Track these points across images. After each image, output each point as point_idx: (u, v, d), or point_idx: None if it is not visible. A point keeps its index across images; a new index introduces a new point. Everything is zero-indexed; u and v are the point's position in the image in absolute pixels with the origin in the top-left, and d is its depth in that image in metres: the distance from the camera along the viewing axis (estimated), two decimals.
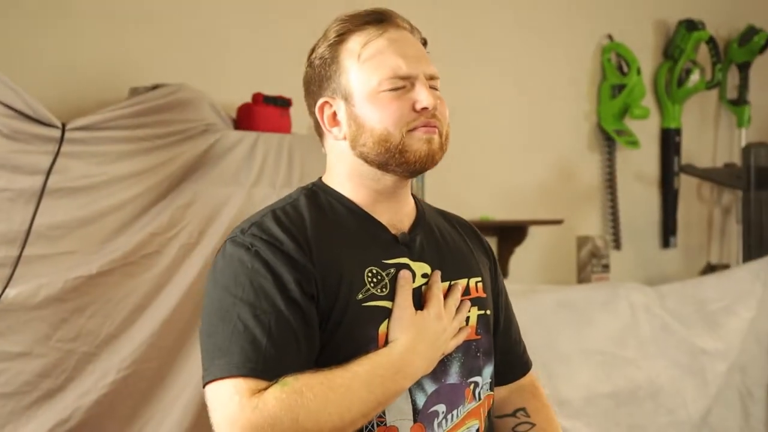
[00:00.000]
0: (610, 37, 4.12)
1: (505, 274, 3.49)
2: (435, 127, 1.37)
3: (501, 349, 1.54)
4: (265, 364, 1.23)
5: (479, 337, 1.44)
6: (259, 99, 2.77)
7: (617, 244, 4.13)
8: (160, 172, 2.47)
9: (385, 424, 1.33)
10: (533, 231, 3.69)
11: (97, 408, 2.30)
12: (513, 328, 1.60)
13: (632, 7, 4.25)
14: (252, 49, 3.02)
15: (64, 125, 2.33)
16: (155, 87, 2.56)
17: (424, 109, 1.36)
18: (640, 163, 4.27)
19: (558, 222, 3.75)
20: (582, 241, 3.93)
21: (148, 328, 2.38)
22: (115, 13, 2.75)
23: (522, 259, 3.58)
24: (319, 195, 1.41)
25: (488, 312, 1.47)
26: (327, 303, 1.30)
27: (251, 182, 2.63)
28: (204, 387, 1.26)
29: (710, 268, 4.38)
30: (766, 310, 3.76)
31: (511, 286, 3.39)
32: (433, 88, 1.39)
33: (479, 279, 1.47)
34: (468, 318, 1.42)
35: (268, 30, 3.07)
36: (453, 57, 3.60)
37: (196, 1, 2.94)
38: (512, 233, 3.62)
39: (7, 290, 2.18)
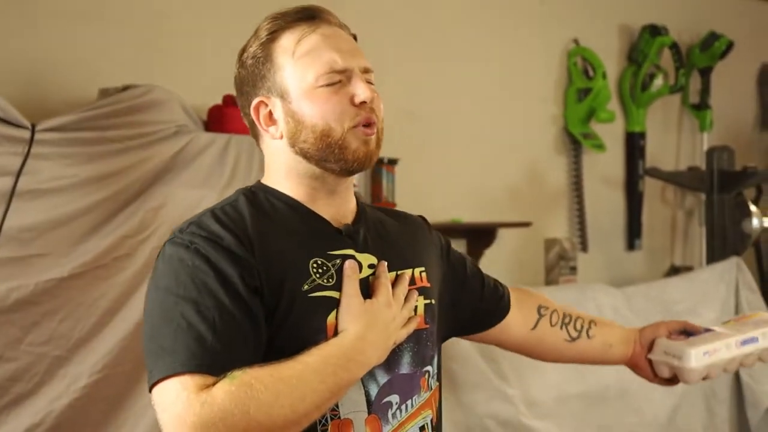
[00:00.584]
0: (576, 41, 4.16)
1: None
2: (373, 124, 1.38)
3: (491, 299, 1.67)
4: (212, 360, 1.21)
5: (428, 326, 1.46)
6: (230, 101, 2.75)
7: (584, 246, 4.17)
8: (131, 174, 2.44)
9: (339, 417, 1.33)
10: (502, 233, 3.71)
11: (69, 412, 2.27)
12: (487, 280, 1.69)
13: (597, 12, 4.30)
14: (223, 50, 2.99)
15: (33, 126, 2.30)
16: (126, 88, 2.54)
17: (363, 102, 1.37)
18: (605, 167, 4.32)
19: (526, 224, 3.78)
20: (550, 244, 3.96)
21: (120, 332, 2.35)
22: (83, 12, 2.72)
23: (491, 261, 3.60)
24: (258, 194, 1.40)
25: (433, 301, 1.48)
26: (272, 296, 1.29)
27: (223, 184, 2.61)
28: (150, 391, 1.23)
29: (674, 270, 4.44)
30: (729, 311, 3.83)
31: None
32: (368, 81, 1.41)
33: (423, 269, 1.49)
34: (416, 307, 1.44)
35: (240, 31, 3.06)
36: (422, 61, 3.62)
37: (167, 2, 2.92)
38: (481, 235, 3.64)
39: None
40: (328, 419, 1.31)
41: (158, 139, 2.51)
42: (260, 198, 1.40)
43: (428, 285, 1.48)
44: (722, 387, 3.75)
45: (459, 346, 2.96)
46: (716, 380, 3.73)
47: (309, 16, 1.41)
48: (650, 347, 1.79)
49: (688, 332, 1.78)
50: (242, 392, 1.18)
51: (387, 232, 1.49)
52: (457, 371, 2.94)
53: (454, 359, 2.94)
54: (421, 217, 1.63)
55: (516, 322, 1.70)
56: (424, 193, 3.56)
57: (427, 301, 1.47)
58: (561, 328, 1.74)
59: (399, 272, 1.43)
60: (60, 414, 2.26)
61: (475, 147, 3.83)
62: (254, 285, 1.28)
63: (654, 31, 4.33)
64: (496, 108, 3.90)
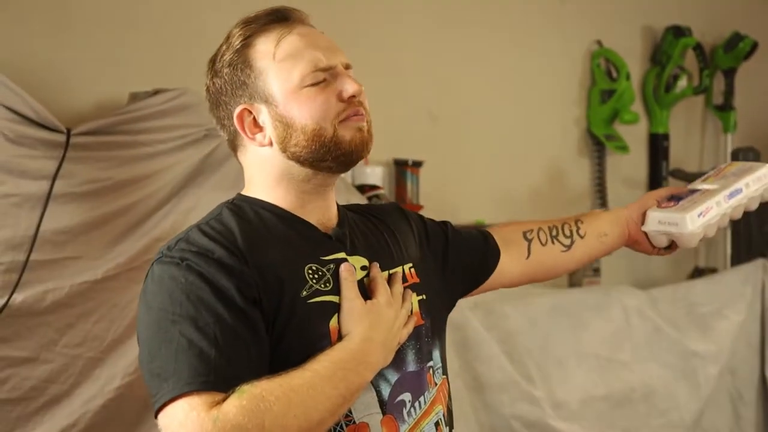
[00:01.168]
0: (599, 42, 4.16)
1: None
2: (362, 115, 1.38)
3: (478, 255, 1.65)
4: (218, 375, 1.18)
5: (424, 321, 1.45)
6: None
7: None
8: (163, 177, 2.47)
9: (354, 422, 1.31)
10: None
11: (103, 413, 2.30)
12: (468, 238, 1.66)
13: (621, 14, 4.30)
14: None
15: (69, 130, 2.33)
16: (156, 92, 2.56)
17: (351, 97, 1.36)
18: (629, 168, 4.31)
19: None
20: None
21: None
22: (114, 16, 2.75)
23: None
24: (242, 206, 1.38)
25: (425, 296, 1.48)
26: (271, 306, 1.27)
27: None
28: (156, 417, 1.20)
29: (698, 272, 4.42)
30: (755, 313, 3.82)
31: (505, 289, 3.41)
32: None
33: (411, 264, 1.48)
34: (411, 305, 1.44)
35: None
36: (445, 64, 3.63)
37: (197, 6, 2.94)
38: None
39: (14, 296, 2.18)
40: (343, 425, 1.30)
41: (189, 142, 2.54)
42: (245, 209, 1.37)
43: (418, 280, 1.48)
44: (748, 389, 3.74)
45: (485, 348, 2.97)
46: (742, 382, 3.73)
47: (282, 18, 1.40)
48: (643, 221, 1.77)
49: (675, 197, 1.78)
50: (254, 405, 1.16)
51: (370, 232, 1.48)
52: (482, 372, 2.95)
53: (480, 360, 2.95)
54: (393, 204, 1.63)
55: (510, 260, 1.69)
56: (448, 195, 3.57)
57: (420, 297, 1.46)
58: (553, 242, 1.73)
59: (391, 271, 1.43)
60: (94, 415, 2.29)
61: (499, 149, 3.83)
62: (252, 296, 1.26)
63: (678, 32, 4.32)
64: (519, 109, 3.91)
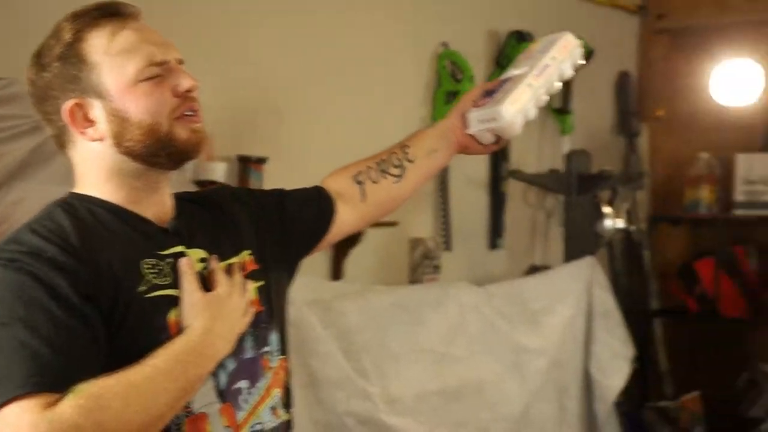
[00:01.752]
0: (445, 44, 4.26)
1: (340, 275, 3.55)
2: (197, 112, 1.40)
3: (312, 213, 1.68)
4: (53, 376, 1.17)
5: (263, 308, 1.49)
6: None
7: (448, 245, 4.27)
8: None
9: (193, 413, 1.33)
10: (368, 233, 3.75)
11: None
12: (299, 200, 1.69)
13: (467, 17, 4.41)
14: None
15: None
16: None
17: (186, 92, 1.38)
18: (470, 168, 4.43)
19: (392, 224, 3.84)
20: (415, 243, 4.04)
21: None
22: None
23: (357, 261, 3.65)
24: (75, 204, 1.38)
25: (264, 282, 1.51)
26: (107, 302, 1.28)
27: None
28: None
29: (534, 269, 4.59)
30: (582, 309, 4.00)
31: (346, 286, 3.45)
32: None
33: (249, 251, 1.51)
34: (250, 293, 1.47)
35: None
36: (293, 61, 3.63)
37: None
38: (347, 236, 3.67)
39: None
40: (182, 417, 1.31)
41: (16, 134, 2.45)
42: (78, 207, 1.37)
43: (257, 267, 1.50)
44: (573, 382, 3.91)
45: (321, 345, 2.99)
46: (568, 376, 3.90)
47: (114, 12, 1.40)
48: (466, 124, 1.81)
49: (488, 92, 1.82)
50: (91, 404, 1.15)
51: (208, 222, 1.49)
52: (317, 369, 2.97)
53: (315, 357, 2.97)
54: (225, 187, 1.67)
55: (347, 208, 1.73)
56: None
57: (259, 284, 1.49)
58: (384, 176, 1.76)
59: (229, 262, 1.45)
60: None
61: (345, 146, 3.82)
62: (86, 293, 1.25)
63: (520, 36, 4.47)
64: (366, 108, 3.95)
